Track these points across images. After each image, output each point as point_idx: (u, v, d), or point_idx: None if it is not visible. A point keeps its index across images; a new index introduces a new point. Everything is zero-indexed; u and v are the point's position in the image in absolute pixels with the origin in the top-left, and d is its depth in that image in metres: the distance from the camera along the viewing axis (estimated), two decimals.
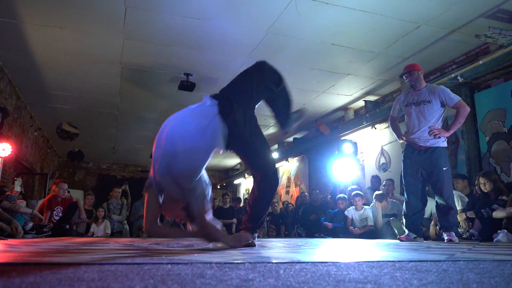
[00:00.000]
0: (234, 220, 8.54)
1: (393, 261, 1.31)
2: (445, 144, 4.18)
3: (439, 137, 4.09)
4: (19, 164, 8.38)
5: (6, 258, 1.33)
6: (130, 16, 4.95)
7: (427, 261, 1.36)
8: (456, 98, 4.12)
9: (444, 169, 4.07)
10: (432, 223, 5.22)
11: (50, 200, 6.10)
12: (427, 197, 4.55)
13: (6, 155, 5.98)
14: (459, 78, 5.58)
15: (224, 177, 16.35)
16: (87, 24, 5.15)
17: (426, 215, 5.33)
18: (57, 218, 6.01)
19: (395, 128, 4.59)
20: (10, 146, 5.99)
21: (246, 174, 13.96)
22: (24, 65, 6.38)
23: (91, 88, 7.27)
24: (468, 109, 4.13)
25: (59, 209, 6.07)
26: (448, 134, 4.10)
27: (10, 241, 3.23)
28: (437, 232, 4.94)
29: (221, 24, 5.19)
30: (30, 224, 4.90)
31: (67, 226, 6.12)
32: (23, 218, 4.78)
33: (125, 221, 7.57)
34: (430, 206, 5.30)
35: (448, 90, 4.21)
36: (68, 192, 6.79)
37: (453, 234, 3.98)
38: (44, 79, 6.94)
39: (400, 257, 1.56)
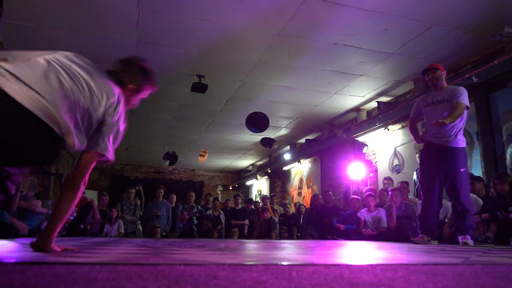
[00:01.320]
0: (246, 221, 8.53)
1: (407, 264, 1.29)
2: (463, 145, 4.06)
3: (456, 137, 4.00)
4: None
5: (23, 257, 1.36)
6: (143, 19, 5.00)
7: (442, 264, 1.35)
8: (461, 99, 3.96)
9: (461, 170, 3.96)
10: (447, 225, 5.15)
11: None
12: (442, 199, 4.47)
13: None
14: (474, 78, 5.50)
15: (236, 178, 16.38)
16: (102, 27, 5.22)
17: (441, 217, 5.26)
18: (71, 218, 6.09)
19: (413, 130, 4.45)
20: None
21: (258, 176, 13.97)
22: None
23: None
24: (461, 109, 3.92)
25: (74, 209, 6.15)
26: (445, 122, 3.82)
27: (27, 240, 3.28)
28: (451, 234, 4.87)
29: (233, 26, 5.20)
30: (46, 224, 4.99)
31: (82, 226, 6.20)
32: (39, 217, 4.86)
33: (139, 222, 7.63)
34: (445, 208, 5.23)
35: (461, 91, 4.06)
36: (83, 192, 6.87)
37: (468, 237, 3.91)
38: None
39: (415, 260, 1.55)
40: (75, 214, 6.12)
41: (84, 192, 7.30)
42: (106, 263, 1.09)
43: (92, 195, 10.23)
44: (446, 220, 5.16)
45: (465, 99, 3.99)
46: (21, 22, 5.09)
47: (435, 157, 4.10)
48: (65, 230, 5.37)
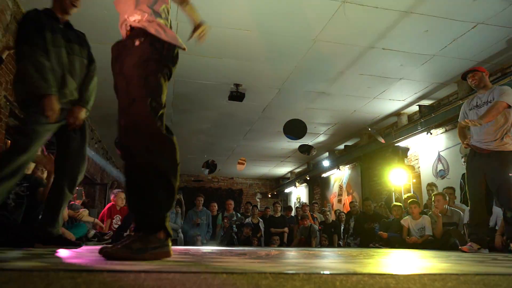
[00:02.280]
0: (286, 229, 8.48)
1: (457, 274, 1.23)
2: (511, 148, 3.88)
3: (502, 140, 3.81)
4: None
5: (72, 264, 1.41)
6: (181, 30, 5.12)
7: (495, 274, 1.28)
8: (502, 98, 3.77)
9: (510, 175, 3.78)
10: (498, 232, 4.89)
11: (110, 209, 6.40)
12: (493, 205, 4.25)
13: None
14: None
15: (275, 185, 16.36)
16: None
17: (491, 224, 5.01)
18: (116, 226, 6.28)
19: (461, 135, 4.27)
20: None
21: (296, 183, 13.89)
22: None
23: None
24: (499, 108, 3.73)
25: (118, 218, 6.34)
26: (479, 122, 3.66)
27: (75, 248, 3.41)
28: (503, 242, 4.62)
29: (270, 34, 5.23)
30: (93, 232, 5.17)
31: (126, 234, 6.38)
32: (86, 226, 5.05)
33: (180, 230, 7.77)
34: (496, 215, 4.97)
35: (504, 90, 3.87)
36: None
37: None
38: (101, 95, 7.32)
39: (465, 269, 1.47)
40: (119, 222, 6.32)
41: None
42: (151, 271, 1.12)
43: None
44: (497, 228, 4.91)
45: (507, 98, 3.77)
46: None
47: (481, 162, 3.92)
48: (110, 238, 5.54)
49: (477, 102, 4.04)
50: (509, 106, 3.78)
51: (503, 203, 3.83)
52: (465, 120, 3.81)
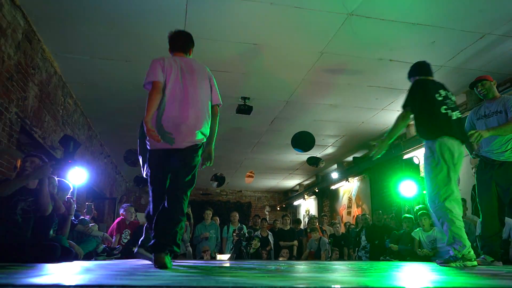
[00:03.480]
0: (295, 242, 8.40)
1: None
2: None
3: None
4: (90, 190, 8.93)
5: (82, 279, 1.41)
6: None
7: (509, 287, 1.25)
8: None
9: None
10: None
11: (119, 224, 6.41)
12: (506, 217, 4.17)
13: (81, 182, 6.40)
14: None
15: (283, 198, 16.28)
16: (149, 57, 5.45)
17: (505, 236, 4.92)
18: (125, 240, 6.28)
19: (467, 145, 4.25)
20: (85, 173, 6.40)
21: (305, 195, 13.81)
22: (94, 97, 6.88)
23: None
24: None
25: (127, 232, 6.35)
26: (485, 135, 3.53)
27: (84, 263, 3.42)
28: None
29: (276, 48, 5.27)
30: (102, 247, 5.17)
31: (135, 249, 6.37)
32: (95, 240, 5.05)
33: (188, 243, 7.73)
34: (509, 226, 4.89)
35: None
36: (136, 215, 7.09)
37: None
38: (111, 109, 7.42)
39: (480, 283, 1.45)
40: (128, 237, 6.32)
41: (136, 216, 7.54)
42: (161, 286, 1.11)
43: (144, 218, 10.52)
44: (510, 240, 4.82)
45: None
46: (78, 56, 5.45)
47: (492, 173, 3.87)
48: (120, 253, 5.54)
49: (485, 112, 4.00)
50: None
51: None
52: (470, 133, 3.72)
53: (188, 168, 2.81)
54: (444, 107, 3.37)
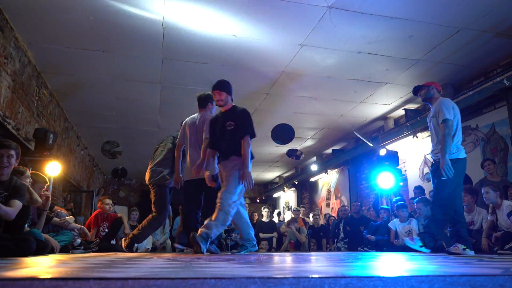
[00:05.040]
0: (275, 234, 8.47)
1: (443, 276, 1.25)
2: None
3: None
4: (67, 182, 8.76)
5: (58, 273, 1.38)
6: (168, 36, 5.11)
7: (481, 275, 1.29)
8: (443, 117, 3.79)
9: (436, 180, 3.89)
10: (484, 235, 4.96)
11: (96, 217, 6.31)
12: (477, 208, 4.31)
13: (56, 174, 6.27)
14: (505, 82, 5.34)
15: (263, 190, 16.34)
16: (128, 47, 5.38)
17: (477, 226, 5.08)
18: (103, 233, 6.19)
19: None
20: (59, 165, 6.28)
21: (285, 187, 13.91)
22: (70, 88, 6.72)
23: (132, 107, 7.54)
24: (443, 129, 3.76)
25: (105, 225, 6.26)
26: (443, 163, 3.69)
27: (60, 256, 3.36)
28: (489, 244, 4.69)
29: (256, 40, 5.25)
30: (78, 240, 5.08)
31: (113, 241, 6.30)
32: (72, 233, 4.96)
33: (168, 237, 7.70)
34: (481, 217, 5.05)
35: (447, 104, 3.87)
36: (113, 207, 6.99)
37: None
38: (88, 101, 7.27)
39: (451, 271, 1.49)
40: (106, 230, 6.23)
41: (114, 208, 7.43)
42: (138, 278, 1.10)
43: (122, 210, 10.42)
44: (482, 230, 4.98)
45: (444, 115, 3.80)
46: (53, 45, 5.31)
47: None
48: (97, 246, 5.46)
49: (429, 115, 4.14)
50: (444, 121, 3.81)
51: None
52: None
53: None
54: None
